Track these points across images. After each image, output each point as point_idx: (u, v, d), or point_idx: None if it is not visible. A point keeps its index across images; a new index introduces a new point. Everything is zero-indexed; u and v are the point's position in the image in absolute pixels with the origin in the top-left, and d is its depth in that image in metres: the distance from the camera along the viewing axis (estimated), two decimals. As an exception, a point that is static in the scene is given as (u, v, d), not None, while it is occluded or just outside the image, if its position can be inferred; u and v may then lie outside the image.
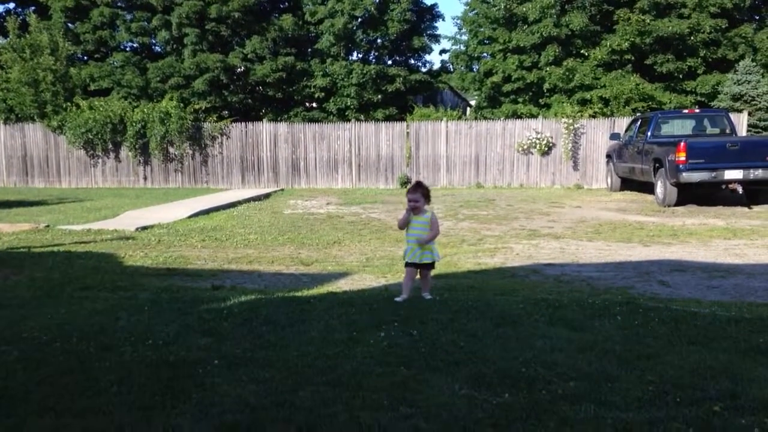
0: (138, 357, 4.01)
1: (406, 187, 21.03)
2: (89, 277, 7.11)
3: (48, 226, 11.39)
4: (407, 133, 21.36)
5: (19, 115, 22.11)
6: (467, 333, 4.49)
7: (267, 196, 18.52)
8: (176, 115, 21.17)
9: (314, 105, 29.21)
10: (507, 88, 26.15)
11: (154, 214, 13.37)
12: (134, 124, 21.24)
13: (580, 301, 5.61)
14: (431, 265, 5.80)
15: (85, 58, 29.37)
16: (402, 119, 22.88)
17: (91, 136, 21.37)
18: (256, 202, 16.63)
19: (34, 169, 22.15)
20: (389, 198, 17.48)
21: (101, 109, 21.46)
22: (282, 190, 20.76)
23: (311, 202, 16.59)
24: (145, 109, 21.49)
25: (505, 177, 21.15)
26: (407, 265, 5.73)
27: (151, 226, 11.64)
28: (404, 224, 5.81)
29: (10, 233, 10.47)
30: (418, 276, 5.85)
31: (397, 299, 5.54)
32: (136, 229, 11.29)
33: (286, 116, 27.34)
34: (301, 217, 13.41)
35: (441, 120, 21.61)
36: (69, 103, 21.70)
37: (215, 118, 22.15)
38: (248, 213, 14.20)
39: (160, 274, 7.69)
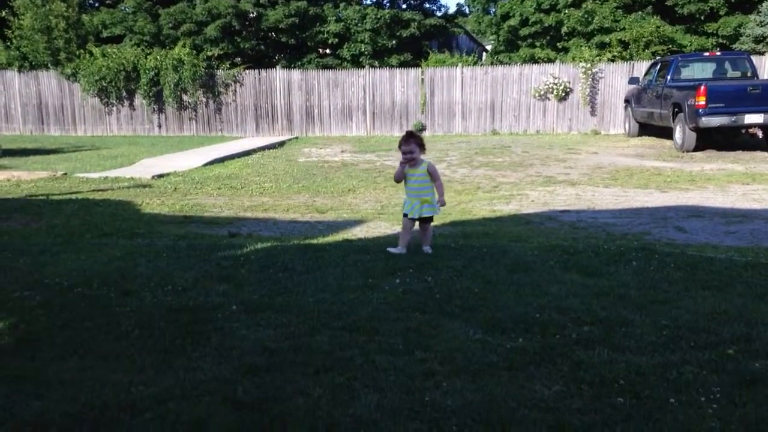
0: (158, 302, 4.08)
1: (421, 134, 20.90)
2: (107, 225, 7.18)
3: (65, 173, 11.47)
4: (422, 79, 21.09)
5: (33, 63, 22.02)
6: (482, 279, 4.52)
7: (281, 144, 18.48)
8: (189, 62, 21.01)
9: (328, 51, 28.83)
10: (524, 31, 25.63)
11: (169, 162, 13.42)
12: (147, 71, 21.12)
13: (596, 247, 5.60)
14: (431, 218, 5.53)
15: (97, 4, 29.07)
16: (417, 65, 22.55)
17: (104, 84, 21.30)
18: (271, 150, 16.61)
19: (50, 117, 22.19)
20: (404, 145, 17.34)
21: (114, 56, 21.33)
22: (296, 138, 20.70)
23: (325, 150, 16.54)
24: (158, 57, 21.32)
25: (521, 123, 20.92)
26: (405, 216, 5.45)
27: (167, 174, 11.69)
28: (401, 177, 5.47)
29: (29, 181, 10.57)
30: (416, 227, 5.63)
31: (392, 250, 5.33)
32: (153, 177, 11.35)
33: (299, 63, 27.04)
34: (315, 165, 13.40)
35: (456, 66, 21.28)
36: (82, 51, 21.57)
37: (228, 66, 21.96)
38: (263, 161, 14.20)
39: (177, 222, 7.75)
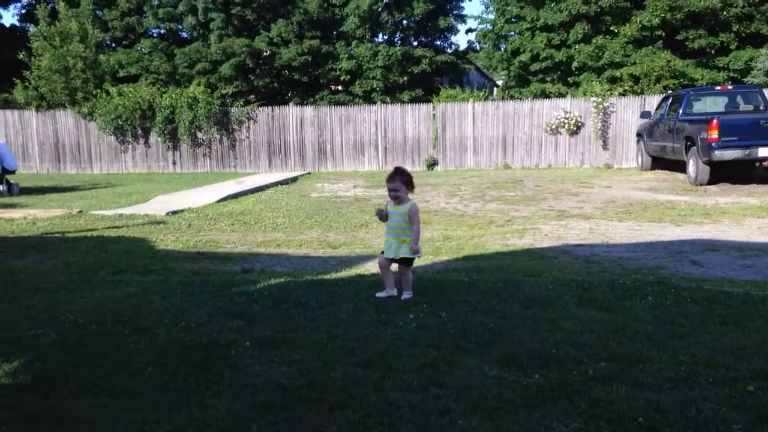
0: (172, 339, 4.08)
1: (433, 169, 21.00)
2: (122, 261, 7.22)
3: (81, 211, 11.59)
4: (433, 114, 21.25)
5: (51, 102, 22.42)
6: (496, 314, 4.49)
7: (294, 179, 18.61)
8: (204, 100, 21.33)
9: (340, 88, 29.20)
10: (535, 67, 25.85)
11: (183, 199, 13.53)
12: (163, 110, 21.44)
13: (611, 281, 5.56)
14: (410, 261, 5.08)
15: (114, 45, 29.69)
16: (428, 101, 22.76)
17: (120, 122, 21.63)
18: (284, 186, 16.72)
19: (66, 156, 22.50)
20: (416, 180, 17.23)
21: (130, 95, 21.69)
22: (309, 173, 20.84)
23: (338, 185, 16.63)
24: (173, 95, 21.67)
25: (533, 157, 20.96)
26: (382, 254, 5.15)
27: (181, 211, 11.78)
28: (382, 215, 5.15)
29: (45, 219, 10.67)
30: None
31: (380, 294, 5.01)
32: (167, 213, 11.43)
33: (311, 100, 27.39)
34: (328, 200, 13.46)
35: (468, 101, 21.45)
36: (99, 90, 21.96)
37: (242, 103, 22.27)
38: (276, 197, 14.29)
39: (191, 258, 7.78)
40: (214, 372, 3.49)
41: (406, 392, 3.16)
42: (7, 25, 39.83)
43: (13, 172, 15.16)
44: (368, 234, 9.37)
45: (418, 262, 7.12)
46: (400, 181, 4.99)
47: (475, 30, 30.00)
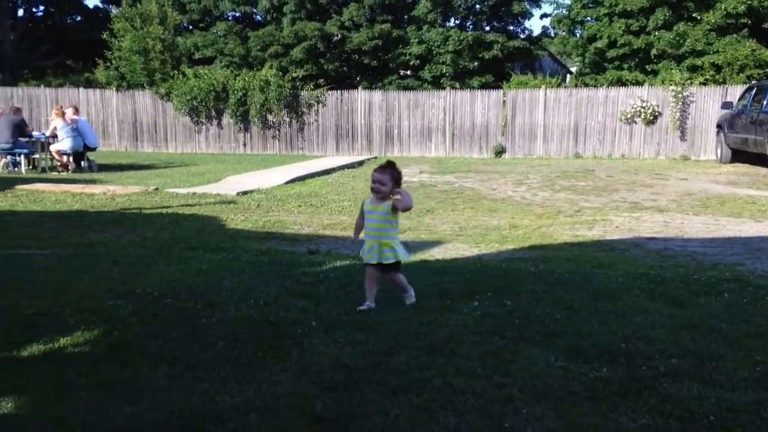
0: (241, 315, 4.19)
1: (501, 156, 20.74)
2: (195, 238, 7.45)
3: (157, 188, 11.99)
4: (503, 101, 20.95)
5: (130, 83, 23.21)
6: (563, 305, 4.42)
7: (360, 163, 18.71)
8: (275, 83, 21.66)
9: (409, 73, 29.10)
10: (611, 53, 25.09)
11: (253, 180, 13.81)
12: (236, 92, 21.90)
13: (685, 276, 5.39)
14: (395, 266, 4.52)
15: (191, 27, 30.43)
16: (498, 87, 22.45)
17: (195, 104, 22.21)
18: (350, 170, 16.84)
19: (143, 134, 23.29)
20: (483, 167, 17.26)
21: (205, 77, 22.24)
22: (375, 157, 20.90)
23: (404, 170, 16.45)
24: (246, 78, 22.09)
25: (605, 147, 20.43)
26: (366, 265, 4.55)
27: (251, 191, 12.03)
28: (360, 220, 4.64)
29: (123, 195, 11.10)
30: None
31: (361, 307, 4.42)
32: (237, 193, 11.70)
33: (380, 84, 27.41)
34: (394, 185, 13.46)
35: (539, 87, 21.05)
36: (176, 71, 22.59)
37: (312, 87, 22.51)
38: (342, 180, 14.41)
39: (260, 238, 7.95)
40: (281, 349, 3.57)
41: (469, 379, 3.16)
42: (91, 6, 41.43)
43: (94, 149, 15.80)
44: (434, 220, 9.36)
45: (484, 250, 7.09)
46: (390, 175, 4.42)
47: (549, 15, 29.32)
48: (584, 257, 6.62)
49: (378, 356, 3.48)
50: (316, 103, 22.14)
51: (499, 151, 20.89)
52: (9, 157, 14.51)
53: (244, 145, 22.70)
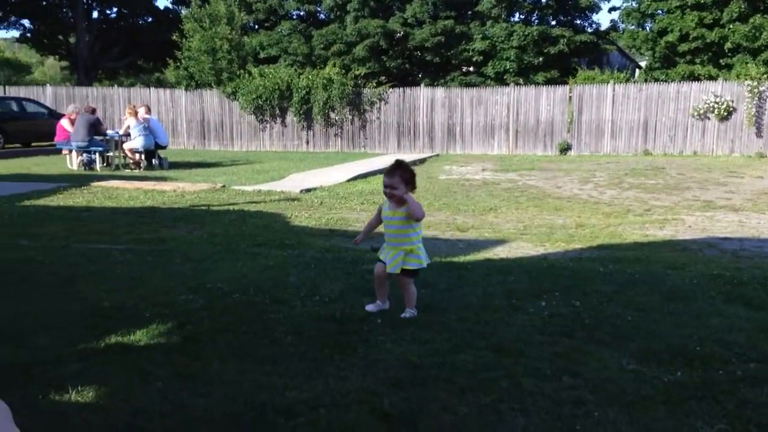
0: (307, 311, 4.25)
1: (566, 154, 20.35)
2: (261, 235, 7.58)
3: (224, 186, 12.26)
4: (569, 97, 20.54)
5: (199, 82, 23.83)
6: (634, 307, 4.31)
7: (422, 161, 18.68)
8: (338, 81, 21.86)
9: (471, 69, 28.88)
10: (683, 47, 24.28)
11: (316, 177, 13.98)
12: (299, 90, 22.20)
13: (762, 278, 5.16)
14: (414, 273, 4.27)
15: (256, 26, 31.02)
16: (564, 82, 22.03)
17: (260, 102, 22.63)
18: (412, 168, 16.80)
19: (211, 133, 23.87)
20: (548, 165, 16.98)
21: (270, 76, 22.63)
22: (437, 155, 20.84)
23: (466, 168, 16.52)
24: (310, 76, 22.37)
25: (676, 144, 19.78)
26: (378, 261, 4.35)
27: (314, 189, 12.17)
28: (373, 223, 4.44)
29: (191, 192, 11.40)
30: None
31: (369, 308, 4.27)
32: (301, 191, 11.86)
33: (442, 81, 27.30)
34: (456, 183, 13.40)
35: (607, 83, 20.55)
36: (242, 71, 23.07)
37: (374, 84, 22.60)
38: (405, 177, 14.38)
39: (323, 235, 8.03)
40: (347, 346, 3.60)
41: (538, 380, 3.11)
42: (162, 8, 42.71)
43: (164, 147, 16.29)
44: (497, 218, 9.26)
45: (550, 249, 6.97)
46: (400, 177, 4.10)
47: (618, 8, 28.58)
48: (655, 257, 6.43)
49: (444, 355, 3.46)
50: (378, 101, 22.23)
51: (565, 148, 20.50)
52: (85, 155, 15.10)
53: (307, 142, 22.99)
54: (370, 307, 4.27)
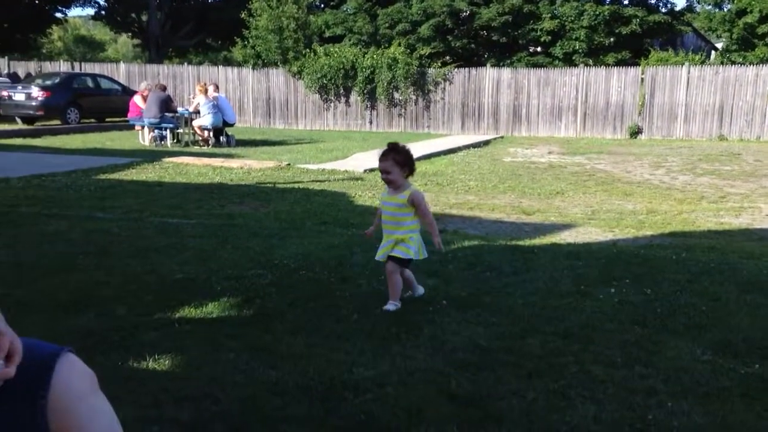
0: (373, 290, 4.28)
1: (636, 137, 19.75)
2: (326, 213, 7.67)
3: (289, 164, 12.43)
4: (641, 79, 19.88)
5: (265, 61, 24.11)
6: (709, 296, 4.17)
7: (486, 143, 18.46)
8: (403, 61, 21.75)
9: (539, 50, 28.27)
10: (763, 28, 23.17)
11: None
12: (364, 69, 22.20)
13: None
14: (401, 261, 3.94)
15: (322, 6, 31.12)
16: (635, 64, 21.33)
17: (325, 81, 22.74)
18: (476, 149, 16.66)
19: (276, 111, 24.16)
20: (617, 149, 16.53)
21: (335, 55, 22.69)
22: (501, 137, 20.55)
23: (532, 151, 16.24)
24: (374, 56, 22.33)
25: (754, 129, 18.93)
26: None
27: (377, 169, 12.19)
28: (378, 223, 4.17)
29: (258, 169, 11.60)
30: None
31: (388, 307, 3.89)
32: (364, 170, 11.90)
33: (508, 62, 26.83)
34: (521, 166, 13.21)
35: (682, 65, 19.79)
36: (307, 50, 23.21)
37: (439, 64, 22.39)
38: (468, 159, 14.29)
39: (388, 215, 8.05)
40: (414, 326, 3.62)
41: (608, 367, 3.06)
42: (230, -12, 43.26)
43: (232, 125, 16.60)
44: (563, 202, 9.09)
45: (619, 235, 6.80)
46: (394, 161, 3.89)
47: (695, -13, 27.45)
48: (731, 246, 6.20)
49: (511, 339, 3.44)
50: (442, 81, 22.03)
51: (635, 132, 19.90)
52: (156, 131, 15.55)
53: (370, 122, 23.02)
54: (388, 307, 3.90)
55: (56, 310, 3.64)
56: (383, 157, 3.94)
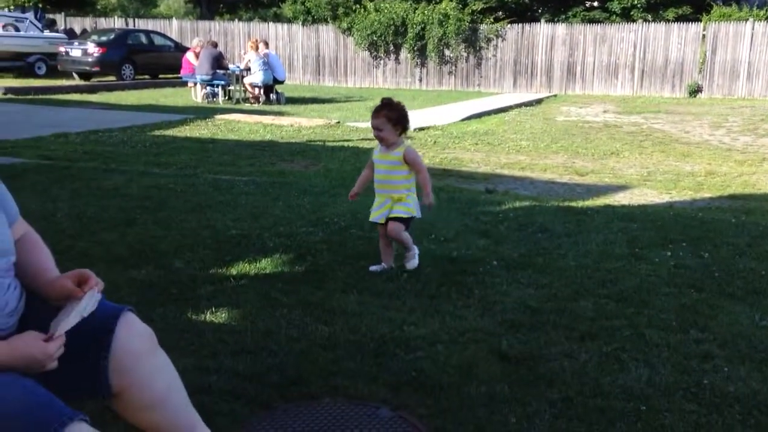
0: (423, 250, 4.27)
1: (696, 96, 19.07)
2: (375, 172, 7.67)
3: (338, 122, 12.44)
4: (703, 35, 19.08)
5: (315, 17, 23.96)
6: (770, 261, 4.05)
7: (539, 101, 18.11)
8: (454, 17, 21.33)
9: (595, 4, 27.28)
10: (837, -20, 21.83)
11: (429, 116, 13.87)
12: (414, 26, 21.87)
13: None
14: (403, 220, 3.81)
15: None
16: (697, 20, 20.44)
17: (375, 38, 22.52)
18: (528, 108, 16.36)
19: (325, 69, 24.09)
20: (675, 108, 16.01)
21: (386, 11, 22.38)
22: (555, 95, 20.11)
23: (586, 110, 15.86)
24: (425, 11, 21.95)
25: (821, 88, 18.07)
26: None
27: (427, 128, 12.11)
28: (367, 175, 4.00)
29: (308, 127, 11.65)
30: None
31: (374, 268, 3.86)
32: (414, 129, 11.79)
33: (563, 17, 25.99)
34: (574, 125, 12.93)
35: (746, 20, 18.88)
36: (357, 5, 22.95)
37: (491, 20, 21.89)
38: (519, 118, 14.06)
39: (437, 174, 7.99)
40: (464, 285, 3.62)
41: (663, 331, 3.02)
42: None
43: (282, 83, 16.65)
44: (618, 163, 8.89)
45: (676, 197, 6.64)
46: (386, 117, 3.76)
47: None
48: (794, 211, 5.99)
49: (563, 301, 3.41)
50: (495, 38, 21.57)
51: (695, 91, 19.20)
52: (208, 87, 15.71)
53: (420, 80, 22.77)
54: (374, 268, 3.85)
55: (116, 263, 3.77)
56: (375, 114, 3.80)
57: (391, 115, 3.77)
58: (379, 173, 3.89)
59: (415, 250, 3.91)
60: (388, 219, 3.80)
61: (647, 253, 4.22)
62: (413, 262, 3.87)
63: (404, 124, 3.84)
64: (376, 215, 3.86)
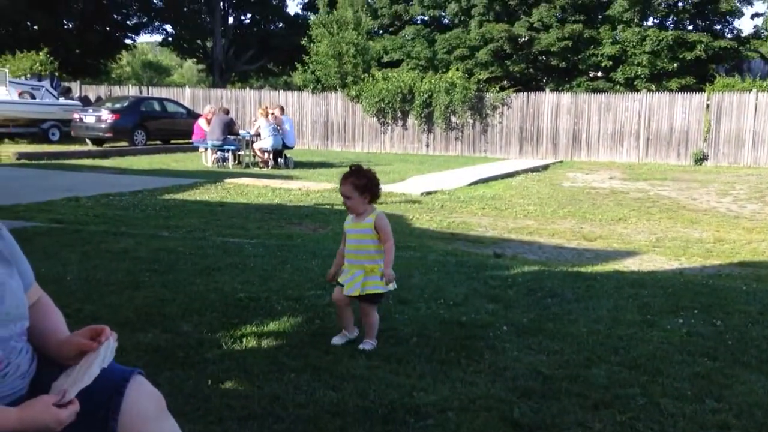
0: (432, 314, 4.26)
1: (701, 164, 19.21)
2: (383, 236, 7.68)
3: (346, 186, 12.53)
4: (707, 105, 19.38)
5: (324, 85, 24.52)
6: (784, 330, 3.99)
7: (545, 167, 18.27)
8: (461, 85, 21.80)
9: (599, 75, 27.92)
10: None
11: (436, 181, 14.00)
12: (421, 94, 22.34)
13: None
14: (378, 297, 3.71)
15: (381, 31, 31.53)
16: (700, 90, 20.81)
17: (383, 105, 22.97)
18: (534, 173, 16.50)
19: (333, 134, 24.49)
20: (681, 175, 16.11)
21: (393, 79, 22.92)
22: (561, 161, 20.30)
23: (592, 176, 15.97)
24: (432, 80, 22.46)
25: (826, 156, 18.19)
26: (338, 285, 3.77)
27: (435, 192, 12.20)
28: (343, 248, 3.85)
29: (316, 191, 11.75)
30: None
31: (336, 340, 3.66)
32: (421, 193, 11.92)
33: (567, 86, 26.56)
34: (581, 191, 13.00)
35: (749, 91, 19.21)
36: (366, 74, 23.51)
37: (497, 89, 22.34)
38: (526, 184, 14.16)
39: (445, 238, 8.03)
40: (474, 351, 3.57)
41: (677, 400, 2.95)
42: (292, 13, 44.44)
43: (291, 148, 16.90)
44: (626, 229, 8.89)
45: (685, 264, 6.60)
46: (353, 185, 3.61)
47: (762, 14, 26.69)
48: (806, 278, 5.94)
49: (575, 368, 3.36)
50: (500, 105, 21.97)
51: (700, 158, 19.36)
52: (219, 152, 15.95)
53: (427, 145, 23.08)
54: (336, 340, 3.66)
55: (124, 326, 3.74)
56: (343, 181, 3.66)
57: (358, 183, 3.60)
58: (350, 243, 3.73)
59: (375, 342, 3.62)
60: (362, 296, 3.63)
61: (659, 320, 4.17)
62: (367, 347, 3.57)
63: (373, 191, 3.66)
64: (348, 287, 3.63)
